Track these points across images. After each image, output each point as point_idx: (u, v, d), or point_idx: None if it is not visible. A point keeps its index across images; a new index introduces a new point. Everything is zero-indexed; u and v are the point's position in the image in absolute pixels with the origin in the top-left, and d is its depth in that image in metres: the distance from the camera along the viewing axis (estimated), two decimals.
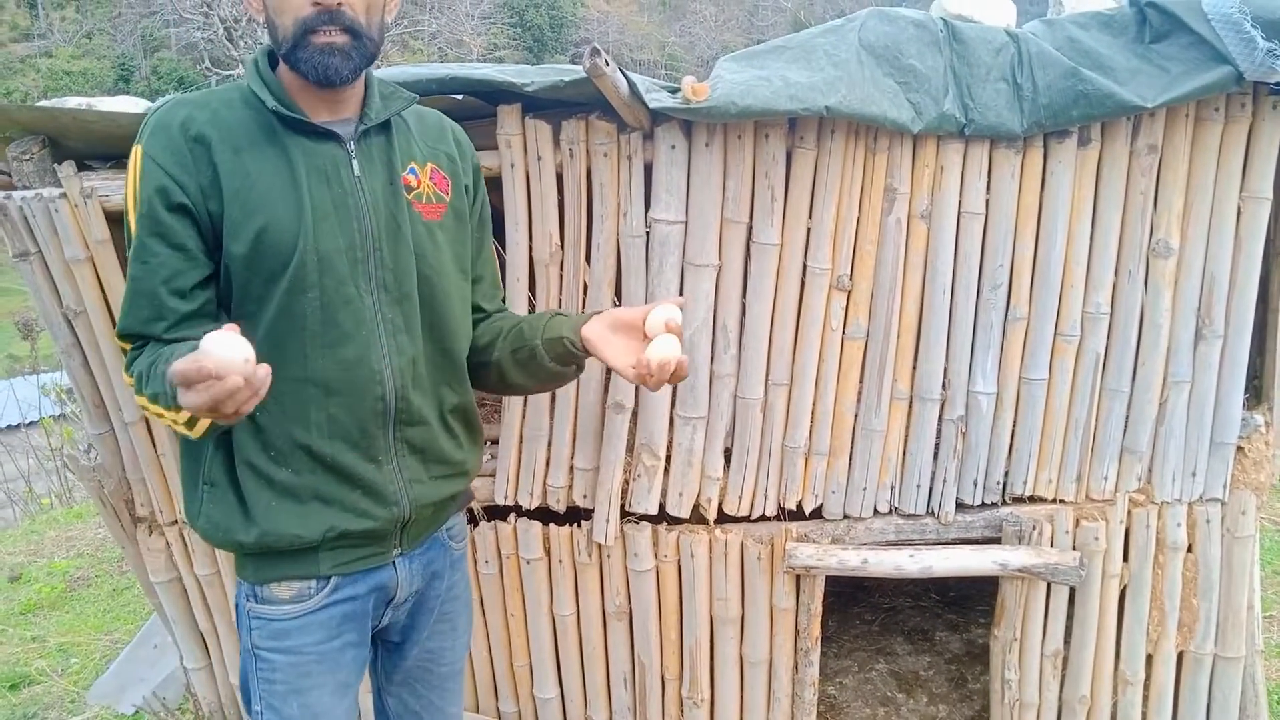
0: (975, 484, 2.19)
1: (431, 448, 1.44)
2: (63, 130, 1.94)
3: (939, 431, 2.17)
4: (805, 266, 2.05)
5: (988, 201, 2.04)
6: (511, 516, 2.24)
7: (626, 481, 2.16)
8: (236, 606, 1.43)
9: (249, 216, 1.26)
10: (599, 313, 1.45)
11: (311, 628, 1.39)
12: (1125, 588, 2.26)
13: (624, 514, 2.19)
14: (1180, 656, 2.30)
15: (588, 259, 2.07)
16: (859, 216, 2.03)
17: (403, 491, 1.40)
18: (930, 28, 1.95)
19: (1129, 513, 2.22)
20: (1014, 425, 2.17)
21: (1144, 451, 2.19)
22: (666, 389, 2.03)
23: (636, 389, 2.08)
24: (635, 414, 2.12)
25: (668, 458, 2.15)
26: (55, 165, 1.95)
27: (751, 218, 2.02)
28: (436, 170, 1.42)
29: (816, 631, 2.24)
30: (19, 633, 3.50)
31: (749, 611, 2.24)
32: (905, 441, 2.18)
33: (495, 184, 1.67)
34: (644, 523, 2.19)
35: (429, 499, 1.44)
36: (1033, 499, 2.22)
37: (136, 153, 1.28)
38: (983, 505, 2.21)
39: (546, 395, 2.12)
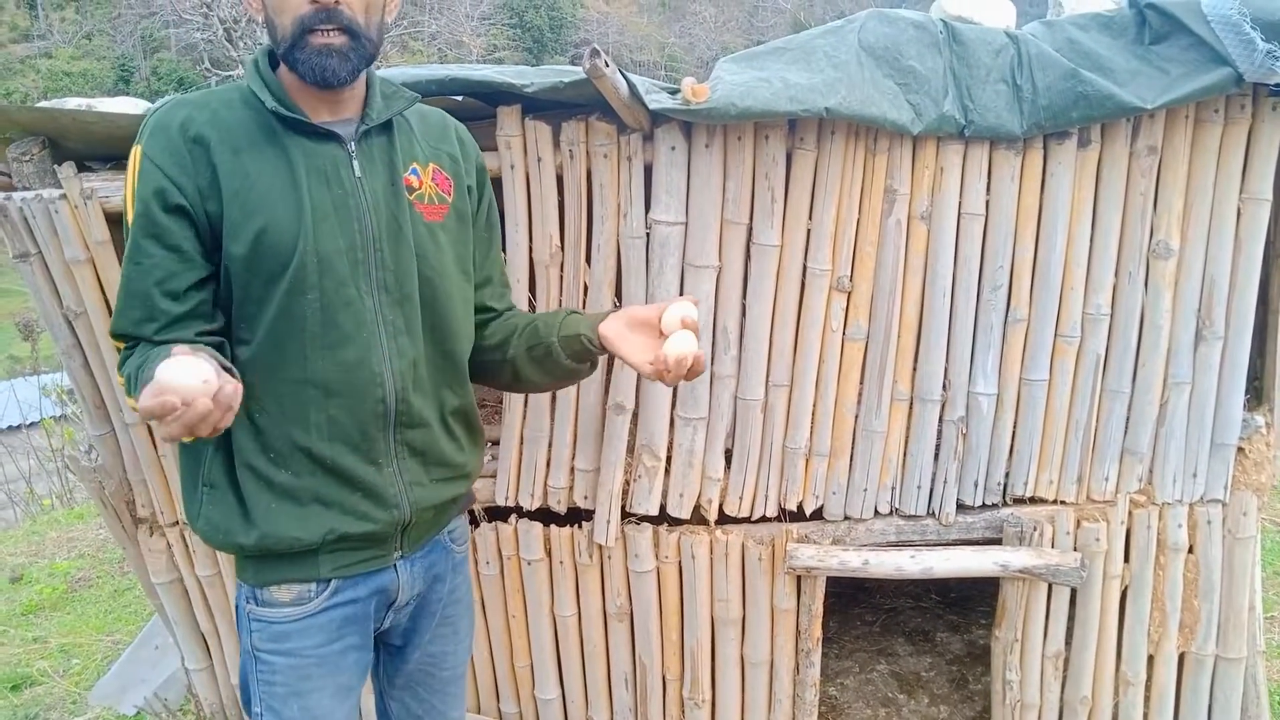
0: (976, 485, 2.19)
1: (432, 450, 1.43)
2: (63, 131, 1.94)
3: (939, 432, 2.17)
4: (805, 268, 2.05)
5: (988, 203, 2.04)
6: (512, 517, 2.24)
7: (627, 482, 2.16)
8: (237, 608, 1.43)
9: (248, 217, 1.25)
10: (615, 311, 1.46)
11: (311, 630, 1.38)
12: (1126, 589, 2.26)
13: (625, 515, 2.19)
14: (1182, 657, 2.30)
15: (588, 260, 2.07)
16: (859, 218, 2.04)
17: (403, 494, 1.40)
18: (930, 29, 1.95)
19: (1130, 514, 2.22)
20: (1015, 426, 2.17)
21: (1145, 453, 2.18)
22: (683, 387, 2.03)
23: (637, 390, 2.08)
24: (636, 415, 2.12)
25: (668, 459, 2.15)
26: (55, 166, 1.95)
27: (751, 219, 2.02)
28: (439, 171, 1.41)
29: (817, 632, 2.24)
30: (20, 633, 3.50)
31: (750, 612, 2.24)
32: (906, 442, 2.18)
33: (495, 185, 1.67)
34: (645, 524, 2.19)
35: (429, 502, 1.44)
36: (1034, 500, 2.22)
37: (136, 153, 1.27)
38: (983, 506, 2.21)
39: (547, 396, 2.12)
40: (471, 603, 1.67)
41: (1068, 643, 2.30)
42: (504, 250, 2.05)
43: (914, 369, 2.14)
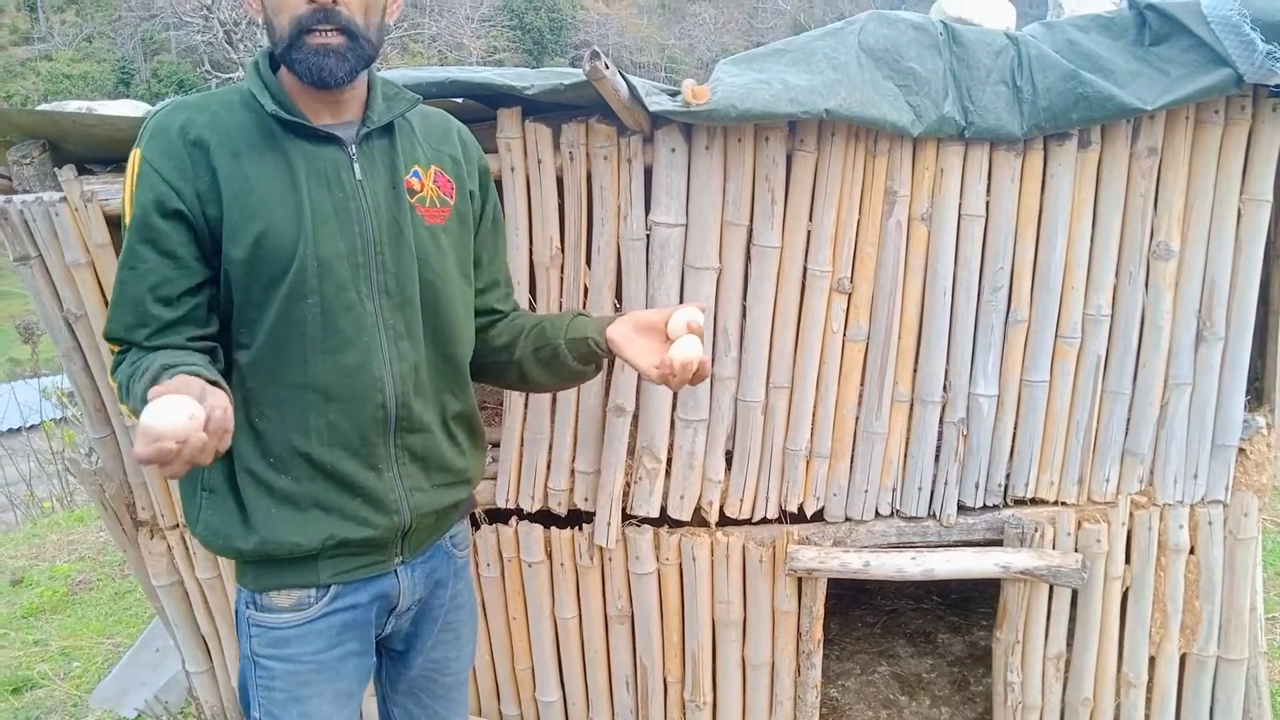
0: (977, 486, 2.19)
1: (433, 455, 1.42)
2: (63, 134, 1.94)
3: (940, 434, 2.17)
4: (806, 269, 2.05)
5: (988, 204, 2.04)
6: (513, 519, 2.24)
7: (628, 484, 2.16)
8: (236, 613, 1.43)
9: (248, 221, 1.25)
10: (621, 314, 1.47)
11: (311, 636, 1.38)
12: (1127, 590, 2.26)
13: (625, 517, 2.19)
14: (1183, 658, 2.30)
15: (588, 262, 2.07)
16: (859, 219, 2.04)
17: (403, 500, 1.39)
18: (930, 31, 1.95)
19: (1131, 515, 2.22)
20: (1015, 427, 2.17)
21: (1146, 454, 2.18)
22: (686, 389, 2.04)
23: (637, 392, 2.08)
24: (636, 417, 2.12)
25: (669, 461, 2.15)
26: (55, 169, 1.95)
27: (752, 220, 2.02)
28: (440, 173, 1.40)
29: (818, 634, 2.24)
30: (21, 636, 3.50)
31: (751, 614, 2.24)
32: (906, 444, 2.18)
33: (496, 187, 1.67)
34: (645, 525, 2.19)
35: (430, 507, 1.43)
36: (1034, 501, 2.22)
37: (135, 156, 1.27)
38: (984, 507, 2.21)
39: (547, 398, 2.12)
40: (474, 608, 1.66)
41: (1069, 644, 2.30)
42: (506, 250, 2.05)
43: (914, 370, 2.13)
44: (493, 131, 1.99)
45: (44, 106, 2.00)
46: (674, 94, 1.83)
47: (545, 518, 2.22)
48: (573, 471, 2.18)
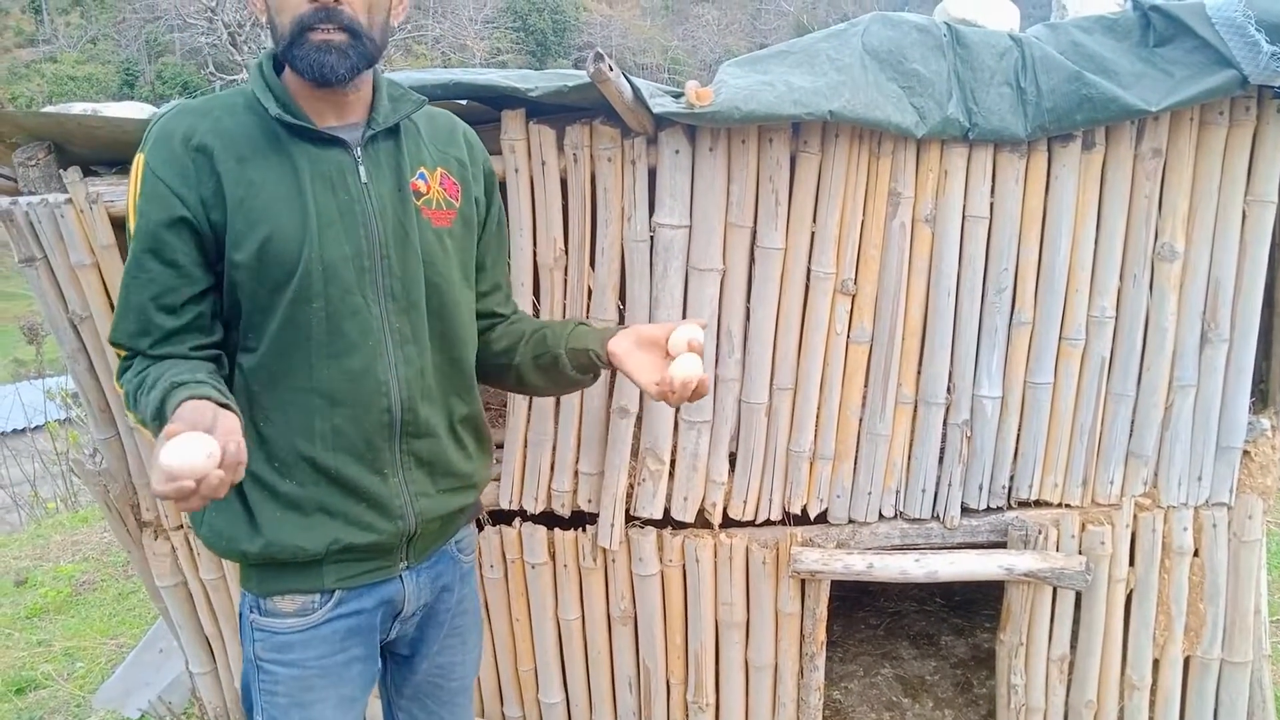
0: (980, 488, 2.18)
1: (439, 460, 1.42)
2: (68, 136, 1.94)
3: (944, 436, 2.17)
4: (809, 271, 2.05)
5: (992, 205, 2.04)
6: (516, 521, 2.24)
7: (631, 486, 2.16)
8: (240, 617, 1.42)
9: (252, 226, 1.24)
10: (624, 327, 1.47)
11: (315, 642, 1.37)
12: (1131, 592, 2.26)
13: (629, 518, 2.19)
14: (1187, 661, 2.29)
15: (592, 264, 2.07)
16: (863, 220, 2.04)
17: (408, 505, 1.38)
18: (934, 32, 1.95)
19: (1135, 517, 2.21)
20: (1019, 429, 2.17)
21: (1150, 456, 2.18)
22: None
23: (640, 393, 2.08)
24: (640, 419, 2.12)
25: (672, 462, 2.15)
26: (61, 171, 1.95)
27: (755, 222, 2.02)
28: (446, 175, 1.40)
29: (821, 636, 2.24)
30: (25, 637, 3.51)
31: (754, 616, 2.24)
32: (910, 446, 2.17)
33: (500, 189, 1.68)
34: (649, 527, 2.19)
35: (436, 512, 1.43)
36: (1038, 503, 2.22)
37: (139, 162, 1.27)
38: (988, 509, 2.21)
39: (551, 400, 2.12)
40: (480, 613, 1.66)
41: (1073, 646, 2.30)
42: (508, 254, 2.06)
43: (918, 372, 2.13)
44: (497, 133, 1.99)
45: (49, 108, 2.00)
46: (678, 96, 1.83)
47: (549, 519, 2.22)
48: (576, 473, 2.18)
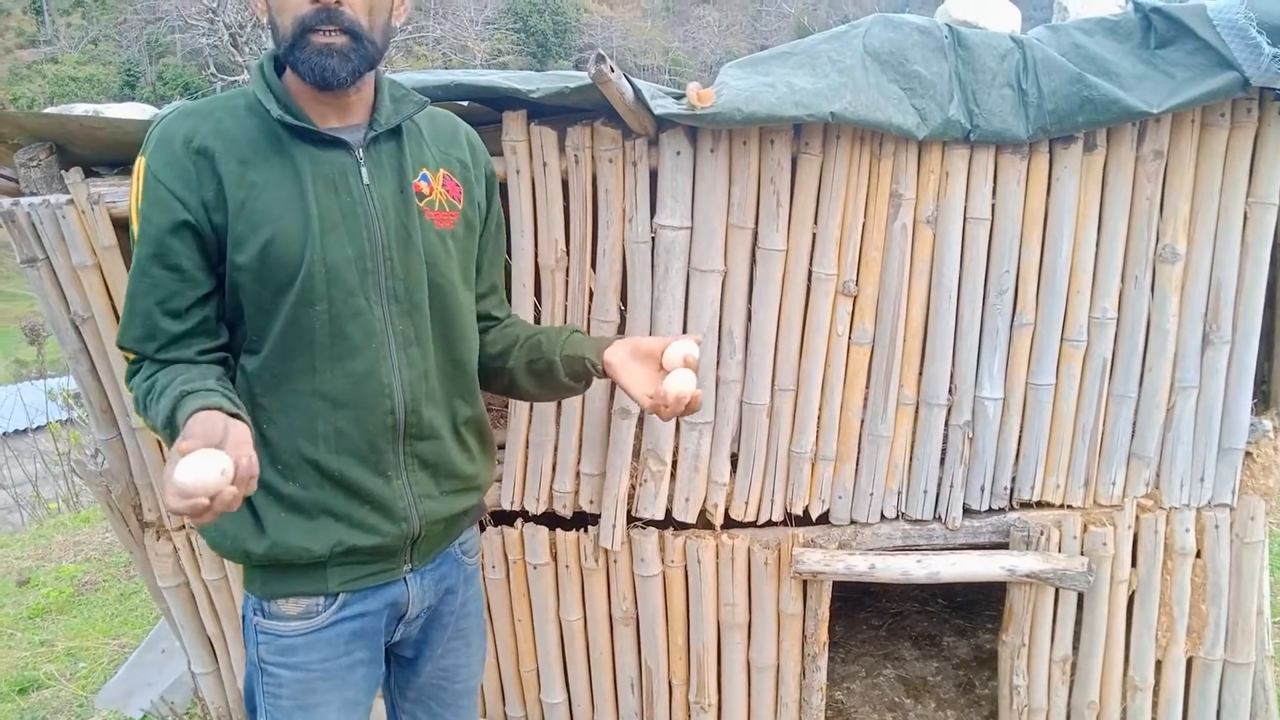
0: (982, 489, 2.18)
1: (443, 462, 1.42)
2: (70, 137, 1.95)
3: (946, 437, 2.17)
4: (811, 272, 2.05)
5: (993, 207, 2.04)
6: (518, 522, 2.24)
7: (633, 487, 2.16)
8: (244, 619, 1.42)
9: (255, 229, 1.24)
10: (619, 338, 1.47)
11: (319, 645, 1.37)
12: (1134, 593, 2.26)
13: (630, 519, 2.19)
14: (1189, 662, 2.29)
15: (593, 265, 2.07)
16: (864, 222, 2.04)
17: (412, 507, 1.39)
18: (935, 34, 1.95)
19: (1137, 518, 2.21)
20: (1021, 430, 2.16)
21: (1152, 457, 2.18)
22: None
23: None
24: (641, 420, 2.12)
25: (674, 463, 2.15)
26: (62, 171, 1.95)
27: (757, 223, 2.02)
28: (449, 177, 1.40)
29: (823, 637, 2.24)
30: (27, 637, 3.51)
31: (756, 617, 2.24)
32: (912, 447, 2.17)
33: (501, 190, 1.68)
34: (650, 528, 2.19)
35: (439, 515, 1.43)
36: (1040, 504, 2.22)
37: (140, 165, 1.27)
38: (990, 510, 2.21)
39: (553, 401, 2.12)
40: (484, 615, 1.65)
41: (1075, 647, 2.29)
42: (509, 255, 2.06)
43: (920, 373, 2.13)
44: (498, 134, 1.99)
45: (51, 109, 2.01)
46: (679, 97, 1.83)
47: (550, 520, 2.22)
48: (578, 474, 2.18)
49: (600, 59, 1.62)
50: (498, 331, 1.55)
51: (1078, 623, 2.27)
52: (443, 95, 1.87)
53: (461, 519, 1.51)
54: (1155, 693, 2.30)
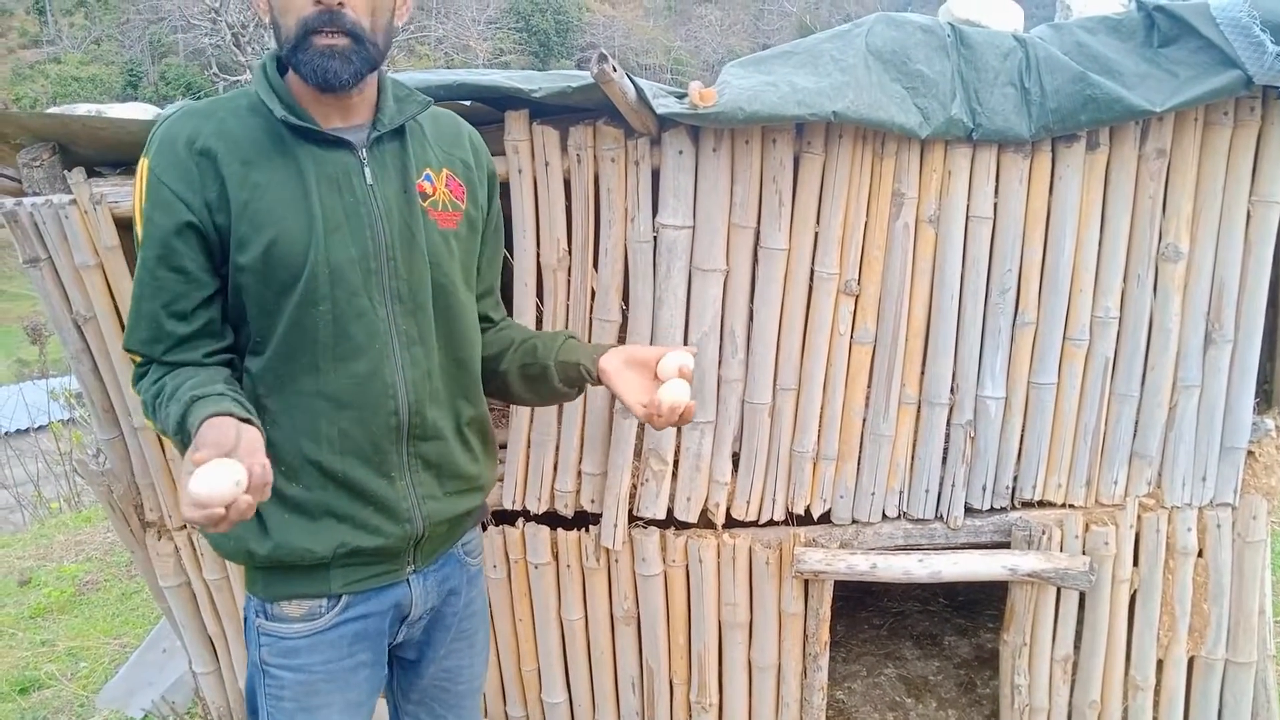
0: (984, 489, 2.18)
1: (446, 463, 1.42)
2: (72, 137, 1.95)
3: (947, 436, 2.16)
4: (813, 271, 2.05)
5: (995, 206, 2.04)
6: (519, 521, 2.24)
7: (634, 486, 2.16)
8: (245, 621, 1.42)
9: (258, 230, 1.24)
10: (614, 346, 1.47)
11: (322, 647, 1.37)
12: (1135, 593, 2.26)
13: (632, 519, 2.19)
14: (1191, 662, 2.29)
15: (595, 264, 2.07)
16: (866, 221, 2.03)
17: (416, 508, 1.38)
18: (937, 33, 1.95)
19: (1139, 517, 2.21)
20: (1023, 430, 2.16)
21: (1154, 456, 2.18)
22: (690, 391, 2.04)
23: None
24: None
25: (675, 462, 2.15)
26: (65, 171, 1.95)
27: (759, 223, 2.02)
28: (452, 177, 1.40)
29: (825, 636, 2.24)
30: (28, 636, 3.52)
31: (757, 616, 2.24)
32: (914, 446, 2.17)
33: (503, 190, 1.67)
34: (652, 528, 2.19)
35: (443, 515, 1.42)
36: (1042, 504, 2.22)
37: (143, 166, 1.26)
38: (992, 510, 2.21)
39: None
40: (487, 616, 1.65)
41: (1076, 647, 2.29)
42: (511, 255, 2.06)
43: (922, 372, 2.13)
44: (500, 134, 1.99)
45: (53, 109, 2.01)
46: (681, 96, 1.83)
47: (552, 519, 2.22)
48: (579, 473, 2.18)
49: (602, 58, 1.62)
50: (493, 334, 1.55)
51: (1079, 622, 2.27)
52: (445, 95, 1.87)
53: (465, 520, 1.50)
54: (1157, 692, 2.30)
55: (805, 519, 2.22)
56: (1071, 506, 2.21)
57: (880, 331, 2.09)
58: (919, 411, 2.15)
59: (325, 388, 1.30)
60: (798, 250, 2.03)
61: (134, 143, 1.75)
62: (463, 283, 1.42)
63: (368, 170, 1.31)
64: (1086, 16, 2.01)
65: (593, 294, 2.08)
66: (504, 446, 2.18)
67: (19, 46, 36.80)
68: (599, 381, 1.45)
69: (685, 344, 2.05)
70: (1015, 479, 2.19)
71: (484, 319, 1.54)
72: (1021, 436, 2.17)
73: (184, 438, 1.14)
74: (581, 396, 2.10)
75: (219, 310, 1.30)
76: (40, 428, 8.53)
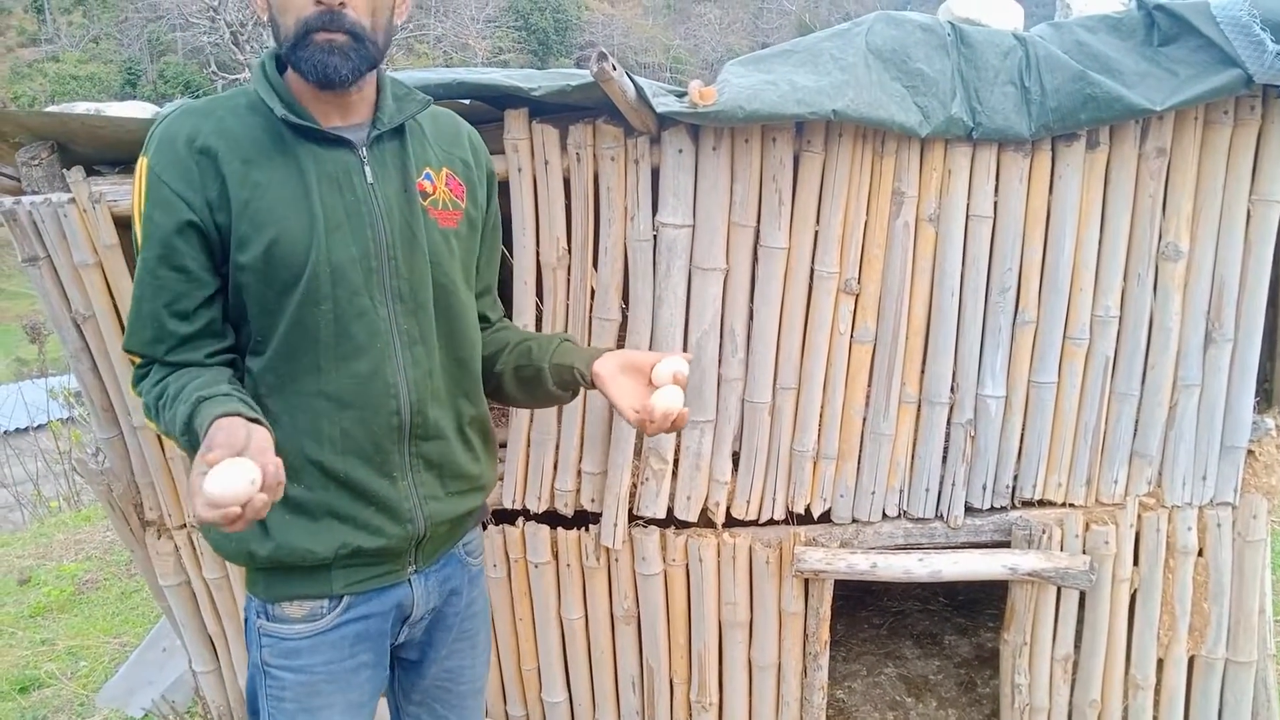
0: (984, 488, 2.18)
1: (448, 462, 1.41)
2: (71, 135, 1.95)
3: (948, 435, 2.16)
4: (813, 270, 2.05)
5: (996, 205, 2.04)
6: (519, 520, 2.24)
7: (634, 485, 2.16)
8: (246, 622, 1.41)
9: (259, 229, 1.24)
10: (610, 350, 1.47)
11: (323, 647, 1.37)
12: (1135, 592, 2.25)
13: (632, 518, 2.19)
14: (1191, 661, 2.29)
15: (595, 263, 2.07)
16: (866, 220, 2.03)
17: (418, 508, 1.38)
18: (937, 31, 1.95)
19: (1139, 517, 2.21)
20: (1023, 429, 2.16)
21: (1154, 455, 2.18)
22: (690, 390, 2.04)
23: None
24: None
25: (675, 462, 2.14)
26: (64, 170, 1.95)
27: (759, 221, 2.01)
28: (452, 176, 1.40)
29: (825, 635, 2.24)
30: (28, 635, 3.51)
31: (757, 615, 2.24)
32: (914, 445, 2.17)
33: (502, 189, 1.67)
34: (652, 527, 2.19)
35: (445, 515, 1.42)
36: (1042, 503, 2.22)
37: (143, 165, 1.26)
38: (992, 509, 2.21)
39: None
40: (489, 616, 1.65)
41: (1077, 646, 2.29)
42: (511, 254, 2.06)
43: (922, 371, 2.13)
44: (499, 133, 1.99)
45: (52, 108, 2.01)
46: (681, 95, 1.83)
47: (552, 518, 2.22)
48: (579, 472, 2.18)
49: (602, 57, 1.61)
50: (489, 335, 1.54)
51: (1079, 621, 2.27)
52: (444, 94, 1.87)
53: (466, 520, 1.50)
54: (1157, 691, 2.30)
55: (805, 518, 2.22)
56: (1072, 506, 2.21)
57: (880, 330, 2.09)
58: (919, 410, 2.15)
59: (327, 387, 1.29)
60: (798, 249, 2.03)
61: (133, 141, 1.74)
62: (463, 282, 1.41)
63: (368, 169, 1.30)
64: (1086, 15, 2.00)
65: (592, 293, 2.08)
66: (504, 446, 2.17)
67: (17, 45, 36.79)
68: (593, 385, 1.44)
69: (685, 343, 2.05)
70: (1015, 478, 2.19)
71: (481, 319, 1.53)
72: (1022, 435, 2.17)
73: (191, 439, 1.13)
74: (581, 396, 2.10)
75: (220, 310, 1.29)
76: (39, 427, 8.53)
